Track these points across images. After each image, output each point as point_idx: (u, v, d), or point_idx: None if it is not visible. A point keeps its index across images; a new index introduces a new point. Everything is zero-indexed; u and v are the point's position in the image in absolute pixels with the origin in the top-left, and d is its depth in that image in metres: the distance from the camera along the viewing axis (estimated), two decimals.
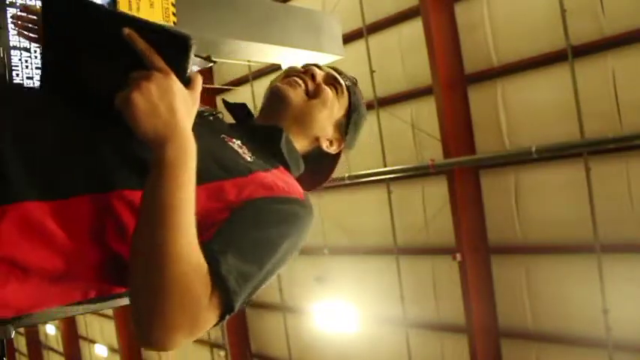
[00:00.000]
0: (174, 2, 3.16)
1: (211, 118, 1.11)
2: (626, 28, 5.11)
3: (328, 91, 1.18)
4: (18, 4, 1.95)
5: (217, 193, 0.87)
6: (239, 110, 1.24)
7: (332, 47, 4.55)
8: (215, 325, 0.80)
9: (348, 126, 1.23)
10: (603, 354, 5.43)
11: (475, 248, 6.33)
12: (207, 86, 9.16)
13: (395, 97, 7.04)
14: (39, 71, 0.94)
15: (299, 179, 1.08)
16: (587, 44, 5.38)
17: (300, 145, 1.16)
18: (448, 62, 6.32)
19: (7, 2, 1.91)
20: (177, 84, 0.80)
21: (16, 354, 18.42)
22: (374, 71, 7.04)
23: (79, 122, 0.84)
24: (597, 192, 5.37)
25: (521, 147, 5.72)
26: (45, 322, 13.95)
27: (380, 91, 7.07)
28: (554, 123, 5.65)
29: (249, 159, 0.96)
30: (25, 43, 1.96)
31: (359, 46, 7.09)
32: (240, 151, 0.97)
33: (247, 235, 0.84)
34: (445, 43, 6.30)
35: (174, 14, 3.16)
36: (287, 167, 1.07)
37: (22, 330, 16.05)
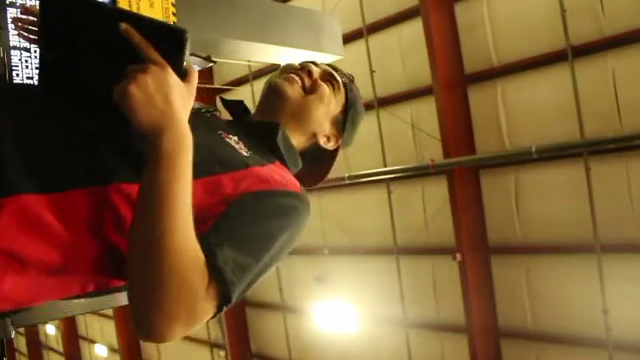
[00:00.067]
0: (174, 2, 3.16)
1: (208, 115, 1.12)
2: (626, 28, 5.11)
3: (325, 87, 1.18)
4: (18, 4, 1.95)
5: (214, 187, 0.88)
6: (236, 107, 1.24)
7: (332, 47, 4.55)
8: (213, 317, 0.81)
9: (345, 122, 1.23)
10: (603, 354, 5.43)
11: (475, 248, 6.33)
12: (207, 86, 9.16)
13: (395, 97, 7.04)
14: (38, 71, 0.94)
15: (297, 176, 1.08)
16: (587, 44, 5.39)
17: (298, 141, 1.16)
18: (448, 62, 6.32)
19: (7, 2, 1.91)
20: (173, 77, 0.81)
21: (16, 354, 18.42)
22: (374, 71, 7.04)
23: (78, 121, 0.85)
24: (597, 192, 5.37)
25: (521, 147, 5.72)
26: (45, 322, 13.96)
27: (380, 91, 7.07)
28: (554, 123, 5.65)
29: (245, 154, 0.97)
30: (25, 43, 1.96)
31: (359, 46, 7.09)
32: (236, 146, 0.98)
33: (244, 228, 0.85)
34: (445, 43, 6.30)
35: (174, 14, 3.16)
36: (284, 163, 1.07)
37: (22, 330, 16.05)
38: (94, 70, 0.86)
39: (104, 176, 0.81)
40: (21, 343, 18.20)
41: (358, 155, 6.50)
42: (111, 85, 0.79)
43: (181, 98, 0.81)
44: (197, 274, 0.76)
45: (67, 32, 0.87)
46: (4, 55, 1.87)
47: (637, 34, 5.05)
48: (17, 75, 1.92)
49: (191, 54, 3.54)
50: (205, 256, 0.77)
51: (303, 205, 0.96)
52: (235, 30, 3.73)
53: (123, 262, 0.79)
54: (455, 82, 6.34)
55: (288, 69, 1.21)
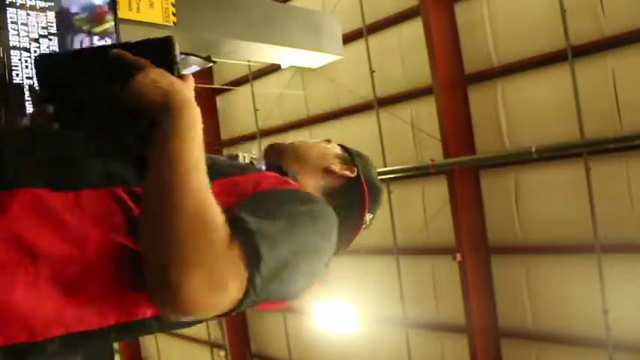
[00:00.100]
0: (174, 2, 3.16)
1: None
2: (626, 28, 5.11)
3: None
4: (18, 4, 1.95)
5: (231, 187, 0.89)
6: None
7: (332, 47, 4.55)
8: (251, 282, 0.76)
9: (351, 156, 1.25)
10: (603, 354, 5.43)
11: (475, 248, 6.33)
12: (207, 86, 9.16)
13: (395, 97, 7.04)
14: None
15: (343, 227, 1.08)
16: (587, 44, 5.38)
17: (314, 181, 1.16)
18: (448, 62, 6.32)
19: (7, 2, 1.91)
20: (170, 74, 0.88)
21: None
22: (374, 71, 7.05)
23: (85, 134, 0.89)
24: (597, 192, 5.37)
25: (521, 147, 5.72)
26: None
27: (380, 91, 7.07)
28: (554, 123, 5.65)
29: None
30: (25, 44, 1.96)
31: (359, 46, 7.09)
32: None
33: (268, 207, 0.85)
34: (445, 43, 6.30)
35: (174, 14, 3.17)
36: None
37: None
38: (98, 97, 0.92)
39: (115, 178, 0.84)
40: None
41: None
42: (114, 99, 0.86)
43: (182, 84, 0.87)
44: (213, 225, 0.74)
45: (63, 84, 0.95)
46: (4, 55, 1.87)
47: (637, 34, 5.05)
48: (17, 75, 1.92)
49: (191, 54, 3.54)
50: (227, 219, 0.77)
51: (324, 203, 0.97)
52: (235, 30, 3.74)
53: (139, 269, 0.77)
54: (455, 82, 6.34)
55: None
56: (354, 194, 1.20)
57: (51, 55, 1.00)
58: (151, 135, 0.82)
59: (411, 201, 6.95)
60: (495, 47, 6.14)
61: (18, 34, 1.94)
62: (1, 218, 0.75)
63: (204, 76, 8.99)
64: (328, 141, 1.27)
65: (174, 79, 0.87)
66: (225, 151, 9.61)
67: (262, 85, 8.76)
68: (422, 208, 6.88)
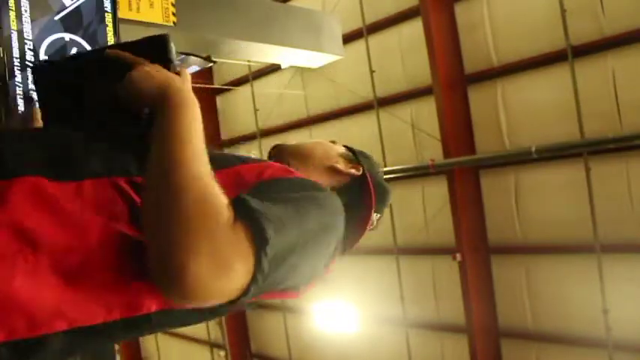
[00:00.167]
0: (174, 2, 3.16)
1: None
2: (626, 28, 5.12)
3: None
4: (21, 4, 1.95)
5: (235, 177, 0.89)
6: None
7: (332, 47, 4.55)
8: (258, 265, 0.74)
9: (355, 155, 1.25)
10: (603, 354, 5.43)
11: (475, 248, 6.33)
12: (207, 86, 9.16)
13: (395, 97, 7.04)
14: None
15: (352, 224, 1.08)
16: (587, 44, 5.39)
17: (319, 180, 1.13)
18: (448, 62, 6.32)
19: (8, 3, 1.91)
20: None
21: None
22: (374, 71, 7.05)
23: (84, 130, 0.90)
24: (597, 192, 5.38)
25: (521, 147, 5.72)
26: None
27: (380, 91, 7.07)
28: (554, 123, 5.65)
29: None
30: (25, 44, 1.97)
31: (359, 46, 7.09)
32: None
33: (273, 194, 0.84)
34: (445, 43, 6.30)
35: (174, 14, 3.16)
36: None
37: None
38: (97, 98, 0.94)
39: (116, 168, 0.84)
40: None
41: None
42: (114, 97, 0.88)
43: (178, 78, 0.89)
44: (215, 205, 0.73)
45: (61, 91, 0.98)
46: (4, 55, 1.87)
47: (637, 34, 5.06)
48: (16, 76, 1.92)
49: (191, 54, 3.54)
50: (231, 202, 0.76)
51: (330, 192, 0.96)
52: (235, 30, 3.74)
53: (141, 259, 0.76)
54: (455, 82, 6.34)
55: None
56: (360, 193, 1.19)
57: (49, 62, 1.02)
58: (150, 130, 0.82)
59: (411, 201, 6.95)
60: (495, 47, 6.14)
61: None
62: (1, 207, 0.74)
63: (204, 76, 8.99)
64: (333, 142, 1.26)
65: (170, 73, 0.88)
66: (226, 152, 9.61)
67: (262, 85, 8.76)
68: (422, 208, 6.88)
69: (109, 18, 2.18)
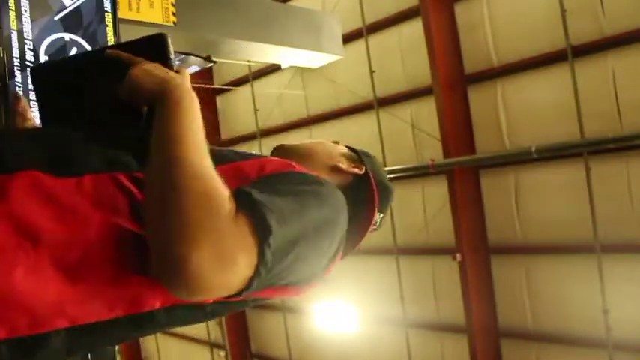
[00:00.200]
0: (174, 2, 3.16)
1: None
2: (626, 28, 5.12)
3: None
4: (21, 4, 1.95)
5: (235, 172, 0.88)
6: None
7: (332, 47, 4.55)
8: (261, 257, 0.74)
9: (358, 154, 1.24)
10: (603, 354, 5.43)
11: (475, 248, 6.33)
12: (207, 86, 9.16)
13: (395, 97, 7.04)
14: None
15: (356, 221, 1.08)
16: (587, 44, 5.39)
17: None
18: (448, 62, 6.32)
19: (8, 3, 1.91)
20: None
21: None
22: (374, 71, 7.05)
23: (85, 135, 0.90)
24: (597, 192, 5.37)
25: (521, 147, 5.72)
26: None
27: (380, 91, 7.07)
28: (554, 123, 5.65)
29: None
30: (25, 44, 1.97)
31: (359, 46, 7.09)
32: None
33: (275, 186, 0.84)
34: (445, 43, 6.30)
35: (174, 14, 3.16)
36: None
37: None
38: (97, 98, 0.95)
39: (117, 164, 0.83)
40: None
41: None
42: (114, 97, 0.89)
43: (177, 75, 0.89)
44: (217, 197, 0.73)
45: (61, 91, 0.99)
46: (4, 55, 1.87)
47: (637, 34, 5.06)
48: (16, 76, 1.92)
49: (191, 54, 3.55)
50: (232, 194, 0.76)
51: (333, 186, 0.95)
52: (235, 30, 3.74)
53: (143, 254, 0.76)
54: (455, 82, 6.34)
55: None
56: (363, 193, 1.18)
57: (48, 64, 1.02)
58: (150, 131, 0.81)
59: (411, 201, 6.95)
60: (495, 47, 6.14)
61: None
62: (1, 201, 0.74)
63: (204, 76, 8.99)
64: (336, 142, 1.26)
65: (169, 70, 0.89)
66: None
67: (262, 85, 8.76)
68: (422, 208, 6.88)
69: (109, 18, 2.18)
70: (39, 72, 1.05)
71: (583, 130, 5.34)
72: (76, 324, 0.77)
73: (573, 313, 5.72)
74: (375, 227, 1.22)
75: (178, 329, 10.13)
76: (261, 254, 0.74)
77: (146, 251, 0.74)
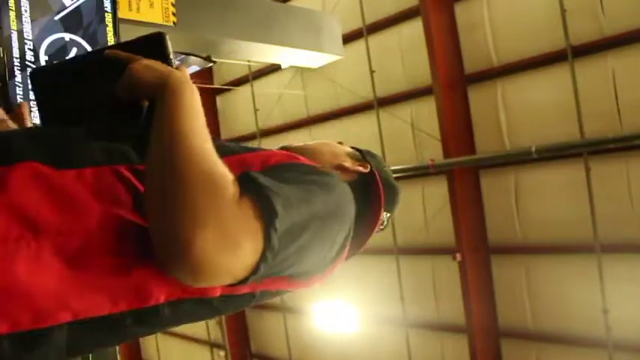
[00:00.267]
0: (174, 2, 3.16)
1: None
2: (626, 28, 5.12)
3: None
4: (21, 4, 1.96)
5: (240, 163, 0.87)
6: None
7: (332, 47, 4.56)
8: (267, 242, 0.73)
9: (363, 155, 1.24)
10: (603, 354, 5.43)
11: (475, 248, 6.33)
12: (207, 86, 9.16)
13: (395, 97, 7.05)
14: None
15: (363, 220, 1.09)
16: (587, 44, 5.39)
17: None
18: (448, 62, 6.32)
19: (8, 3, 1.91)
20: None
21: None
22: (374, 71, 7.05)
23: (84, 130, 0.89)
24: (597, 192, 5.38)
25: (521, 147, 5.72)
26: None
27: (380, 91, 7.07)
28: (554, 123, 5.66)
29: None
30: (25, 44, 1.97)
31: (359, 46, 7.09)
32: None
33: (282, 174, 0.84)
34: (445, 43, 6.30)
35: (174, 14, 3.16)
36: None
37: None
38: (96, 99, 0.95)
39: (117, 157, 0.83)
40: None
41: None
42: (113, 95, 0.89)
43: (177, 71, 0.89)
44: (220, 180, 0.73)
45: (62, 86, 0.99)
46: (4, 55, 1.87)
47: (637, 34, 5.06)
48: (16, 76, 1.92)
49: (191, 54, 3.55)
50: (237, 178, 0.75)
51: (338, 178, 0.95)
52: (235, 30, 3.74)
53: (145, 245, 0.75)
54: (455, 82, 6.34)
55: None
56: (368, 192, 1.18)
57: (47, 67, 1.03)
58: (149, 130, 0.81)
59: (411, 201, 6.95)
60: (495, 47, 6.14)
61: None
62: (1, 192, 0.74)
63: (204, 76, 8.99)
64: (340, 143, 1.26)
65: (168, 66, 0.89)
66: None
67: (262, 85, 8.76)
68: (422, 208, 6.89)
69: (109, 18, 2.18)
70: (38, 76, 1.05)
71: (583, 130, 5.34)
72: (79, 318, 0.76)
73: (573, 313, 5.72)
74: (382, 227, 1.21)
75: (178, 329, 10.14)
76: (267, 238, 0.73)
77: (148, 242, 0.73)
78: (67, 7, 2.11)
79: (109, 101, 0.90)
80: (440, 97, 6.32)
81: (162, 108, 0.80)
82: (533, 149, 5.38)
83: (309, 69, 5.97)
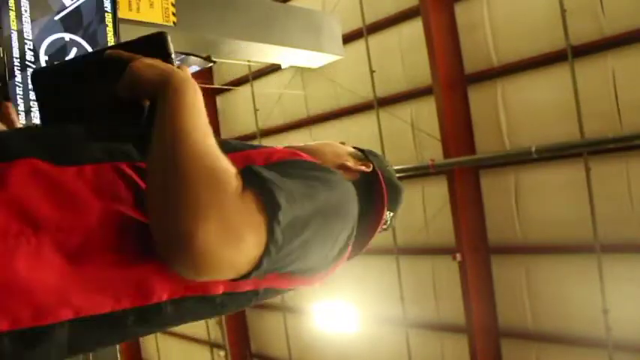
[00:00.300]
0: (174, 2, 3.16)
1: None
2: (626, 28, 5.12)
3: None
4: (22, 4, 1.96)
5: (245, 160, 0.87)
6: None
7: (332, 47, 4.56)
8: (270, 235, 0.73)
9: (365, 154, 1.24)
10: (603, 354, 5.43)
11: (475, 248, 6.34)
12: (207, 86, 9.16)
13: (395, 97, 7.05)
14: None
15: (366, 220, 1.08)
16: (587, 44, 5.39)
17: None
18: (448, 62, 6.32)
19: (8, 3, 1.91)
20: None
21: None
22: (374, 71, 7.05)
23: (84, 128, 0.89)
24: (597, 192, 5.38)
25: (521, 147, 5.72)
26: None
27: (380, 91, 7.07)
28: (554, 123, 5.66)
29: None
30: (25, 44, 1.97)
31: (359, 46, 7.10)
32: None
33: (286, 169, 0.83)
34: (445, 43, 6.30)
35: (174, 14, 3.16)
36: None
37: None
38: (97, 99, 0.95)
39: (118, 154, 0.83)
40: None
41: None
42: (114, 95, 0.88)
43: (178, 69, 0.88)
44: (222, 173, 0.72)
45: (63, 87, 0.99)
46: (4, 55, 1.87)
47: (637, 34, 5.06)
48: (16, 76, 1.92)
49: (191, 54, 3.55)
50: (239, 172, 0.75)
51: (342, 176, 0.95)
52: (235, 30, 3.74)
53: (147, 242, 0.75)
54: (455, 82, 6.34)
55: None
56: (371, 191, 1.17)
57: (47, 69, 1.02)
58: (151, 129, 0.81)
59: (411, 201, 6.95)
60: (495, 47, 6.14)
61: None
62: (1, 188, 0.73)
63: (204, 76, 8.99)
64: (342, 143, 1.26)
65: (170, 65, 0.88)
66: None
67: (262, 85, 8.76)
68: (422, 208, 6.89)
69: (109, 18, 2.18)
70: (38, 77, 1.05)
71: (583, 130, 5.34)
72: (81, 315, 0.76)
73: (573, 313, 5.72)
74: (385, 226, 1.21)
75: (178, 329, 10.14)
76: (270, 232, 0.73)
77: (149, 239, 0.73)
78: (67, 7, 2.11)
79: (109, 101, 0.89)
80: (440, 97, 6.32)
81: (164, 106, 0.80)
82: (533, 149, 5.38)
83: (309, 69, 5.97)
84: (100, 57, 0.92)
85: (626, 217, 5.29)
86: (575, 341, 5.76)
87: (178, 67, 0.90)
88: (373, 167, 1.19)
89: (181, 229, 0.68)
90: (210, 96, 9.72)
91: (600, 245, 5.35)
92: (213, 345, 10.50)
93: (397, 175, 1.28)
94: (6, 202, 0.73)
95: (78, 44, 2.12)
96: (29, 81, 1.88)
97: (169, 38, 0.92)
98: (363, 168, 1.17)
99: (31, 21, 2.00)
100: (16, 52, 1.93)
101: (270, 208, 0.73)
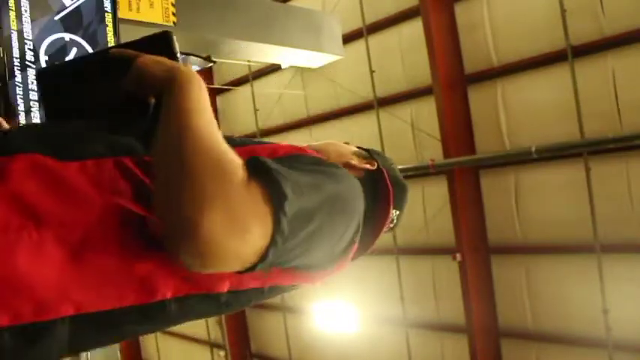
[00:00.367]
0: (174, 2, 3.16)
1: None
2: (626, 28, 5.12)
3: None
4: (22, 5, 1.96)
5: (249, 154, 0.86)
6: None
7: (332, 47, 4.56)
8: (277, 226, 0.72)
9: (370, 153, 1.24)
10: (603, 354, 5.43)
11: (475, 248, 6.33)
12: (207, 86, 9.15)
13: (395, 97, 7.05)
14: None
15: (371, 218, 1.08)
16: (587, 44, 5.39)
17: None
18: (448, 62, 6.32)
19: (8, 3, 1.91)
20: None
21: None
22: (374, 71, 7.05)
23: (85, 124, 0.90)
24: (597, 192, 5.38)
25: (521, 147, 5.72)
26: None
27: (380, 91, 7.07)
28: (554, 123, 5.66)
29: None
30: (25, 44, 1.97)
31: (359, 46, 7.09)
32: None
33: (289, 163, 0.83)
34: (445, 43, 6.30)
35: (174, 14, 3.17)
36: None
37: None
38: (101, 98, 0.95)
39: (121, 149, 0.82)
40: None
41: None
42: (118, 91, 0.89)
43: (184, 66, 0.88)
44: (228, 164, 0.72)
45: (67, 95, 0.99)
46: (4, 55, 1.87)
47: (637, 34, 5.06)
48: (16, 76, 1.92)
49: (191, 54, 3.55)
50: (244, 163, 0.75)
51: (347, 172, 0.94)
52: (235, 30, 3.74)
53: (150, 237, 0.75)
54: (455, 82, 6.34)
55: None
56: (376, 190, 1.17)
57: (49, 69, 1.03)
58: (157, 119, 0.81)
59: (411, 201, 6.82)
60: (495, 47, 6.14)
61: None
62: (2, 182, 0.73)
63: (204, 76, 8.93)
64: (346, 143, 1.26)
65: (176, 62, 0.88)
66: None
67: (262, 85, 8.76)
68: (422, 208, 6.88)
69: (109, 18, 2.18)
70: (41, 77, 1.06)
71: (583, 130, 5.34)
72: (82, 311, 0.75)
73: (573, 313, 5.72)
74: (391, 225, 1.20)
75: (178, 329, 10.14)
76: (276, 222, 0.72)
77: (152, 234, 0.73)
78: (67, 7, 2.11)
79: (111, 101, 0.89)
80: (440, 97, 6.32)
81: (170, 101, 0.80)
82: (533, 149, 5.38)
83: (309, 69, 5.97)
84: (101, 57, 0.93)
85: (626, 217, 5.29)
86: (575, 341, 5.76)
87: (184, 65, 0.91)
88: (378, 165, 1.19)
89: (187, 220, 0.67)
90: (210, 96, 9.67)
91: (600, 245, 5.35)
92: (213, 345, 10.50)
93: None
94: (6, 197, 0.72)
95: (78, 44, 2.12)
96: (29, 81, 1.88)
97: (175, 37, 0.92)
98: (368, 166, 1.17)
99: (31, 21, 2.00)
100: (16, 52, 1.93)
101: (276, 199, 0.72)
